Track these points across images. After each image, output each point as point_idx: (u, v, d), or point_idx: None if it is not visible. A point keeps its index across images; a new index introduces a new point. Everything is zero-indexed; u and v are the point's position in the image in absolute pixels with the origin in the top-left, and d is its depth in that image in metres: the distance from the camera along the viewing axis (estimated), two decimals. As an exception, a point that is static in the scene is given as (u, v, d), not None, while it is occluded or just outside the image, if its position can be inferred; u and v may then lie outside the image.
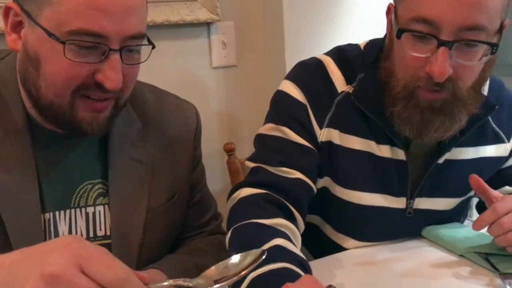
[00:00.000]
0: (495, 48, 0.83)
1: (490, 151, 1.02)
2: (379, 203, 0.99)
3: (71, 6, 0.70)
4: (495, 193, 0.89)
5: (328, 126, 0.97)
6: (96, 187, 0.86)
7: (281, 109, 1.00)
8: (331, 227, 1.04)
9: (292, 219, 0.89)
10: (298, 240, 0.88)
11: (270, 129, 0.99)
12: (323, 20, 1.59)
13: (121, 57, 0.74)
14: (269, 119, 1.01)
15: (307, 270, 0.76)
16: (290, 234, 0.85)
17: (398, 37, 0.85)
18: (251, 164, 0.98)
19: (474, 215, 1.45)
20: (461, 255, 0.93)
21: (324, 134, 0.97)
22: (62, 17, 0.70)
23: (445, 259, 0.94)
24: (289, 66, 1.08)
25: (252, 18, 1.63)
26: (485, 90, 1.00)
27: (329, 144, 0.97)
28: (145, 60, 0.80)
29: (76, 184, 0.84)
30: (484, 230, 0.89)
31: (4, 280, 0.52)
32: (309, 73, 1.00)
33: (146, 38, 0.78)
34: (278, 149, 0.96)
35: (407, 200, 0.99)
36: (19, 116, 0.79)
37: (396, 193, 0.99)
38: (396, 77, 0.90)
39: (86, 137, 0.82)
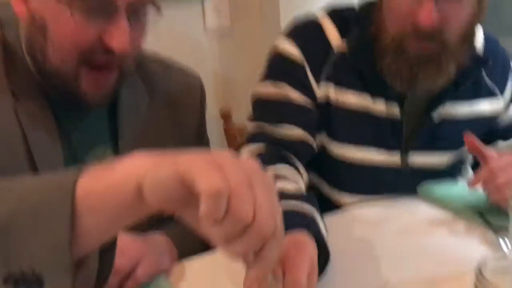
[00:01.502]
0: None
1: (484, 106, 1.04)
2: (374, 159, 1.00)
3: None
4: (490, 151, 0.90)
5: (325, 82, 0.97)
6: (108, 151, 0.86)
7: (278, 66, 1.00)
8: (327, 184, 1.06)
9: (295, 168, 0.92)
10: (304, 178, 0.92)
11: (268, 86, 0.99)
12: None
13: (129, 20, 0.73)
14: (266, 76, 1.01)
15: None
16: (292, 175, 0.88)
17: None
18: (251, 125, 0.99)
19: (470, 172, 1.47)
20: (456, 212, 0.95)
21: (322, 90, 0.98)
22: None
23: (440, 216, 0.95)
24: (284, 23, 1.08)
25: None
26: (479, 45, 1.01)
27: (326, 100, 0.98)
28: (151, 26, 0.79)
29: (86, 149, 0.84)
30: (478, 187, 0.91)
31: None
32: (305, 30, 1.00)
33: (153, 3, 0.77)
34: (277, 107, 0.97)
35: (401, 155, 1.01)
36: (30, 80, 0.78)
37: (390, 149, 1.00)
38: (386, 30, 0.91)
39: (90, 109, 0.82)
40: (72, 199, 0.46)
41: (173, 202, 0.44)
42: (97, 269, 0.51)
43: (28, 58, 0.78)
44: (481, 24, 0.96)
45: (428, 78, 0.90)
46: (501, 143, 1.09)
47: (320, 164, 1.04)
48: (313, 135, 0.98)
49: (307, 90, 0.97)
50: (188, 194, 0.42)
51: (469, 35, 0.92)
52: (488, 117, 1.05)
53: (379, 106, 0.98)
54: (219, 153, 0.44)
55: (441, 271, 0.76)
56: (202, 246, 0.89)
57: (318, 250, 0.68)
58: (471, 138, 0.91)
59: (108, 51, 0.73)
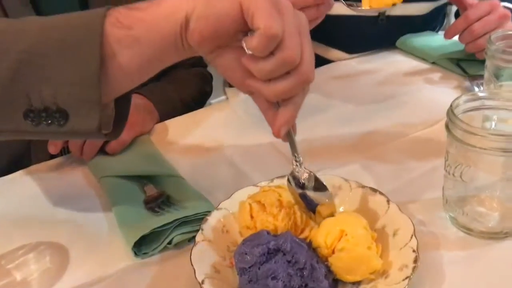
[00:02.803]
0: None
1: None
2: (350, 12, 0.97)
3: None
4: (470, 0, 0.88)
5: None
6: None
7: None
8: (314, 41, 1.04)
9: None
10: None
11: None
12: None
13: None
14: None
15: None
16: None
17: None
18: None
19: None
20: (433, 62, 0.95)
21: None
22: None
23: (418, 67, 0.96)
24: None
25: None
26: None
27: None
28: None
29: None
30: (456, 38, 0.90)
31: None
32: None
33: None
34: None
35: None
36: None
37: None
38: None
39: None
40: (101, 29, 0.44)
41: (216, 38, 0.45)
42: (113, 117, 0.51)
43: None
44: None
45: None
46: None
47: None
48: None
49: None
50: (236, 31, 0.44)
51: None
52: None
53: None
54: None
55: (415, 117, 0.78)
56: (182, 107, 0.91)
57: None
58: None
59: None
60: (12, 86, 0.44)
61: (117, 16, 0.45)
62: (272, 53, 0.43)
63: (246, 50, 0.44)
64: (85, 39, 0.44)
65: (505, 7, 0.89)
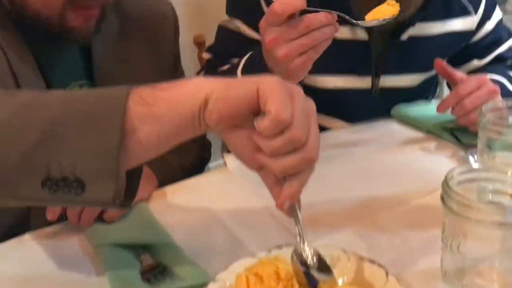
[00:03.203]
0: None
1: (457, 24, 1.02)
2: (344, 85, 1.01)
3: None
4: (459, 74, 0.91)
5: None
6: (85, 87, 0.84)
7: (234, 2, 1.01)
8: None
9: None
10: None
11: (225, 21, 1.01)
12: None
13: None
14: (226, 10, 1.02)
15: None
16: None
17: None
18: (206, 55, 1.02)
19: (445, 91, 1.49)
20: (428, 131, 0.97)
21: None
22: None
23: (413, 136, 0.98)
24: None
25: None
26: None
27: None
28: None
29: (62, 87, 0.81)
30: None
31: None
32: None
33: None
34: (230, 42, 0.99)
35: (372, 78, 1.01)
36: (2, 12, 0.74)
37: (360, 73, 1.01)
38: None
39: (66, 44, 0.79)
40: (124, 105, 0.47)
41: (233, 119, 0.49)
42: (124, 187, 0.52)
43: None
44: None
45: (394, 16, 0.87)
46: (475, 62, 1.09)
47: None
48: None
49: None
50: (249, 113, 0.48)
51: None
52: (460, 35, 1.03)
53: (344, 32, 0.96)
54: (294, 86, 0.50)
55: (412, 187, 0.79)
56: (181, 174, 0.91)
57: None
58: (440, 62, 0.92)
59: None
60: (33, 155, 0.46)
61: (141, 94, 0.48)
62: (281, 132, 0.47)
63: (257, 129, 0.48)
64: (108, 113, 0.47)
65: (492, 80, 0.92)
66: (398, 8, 0.76)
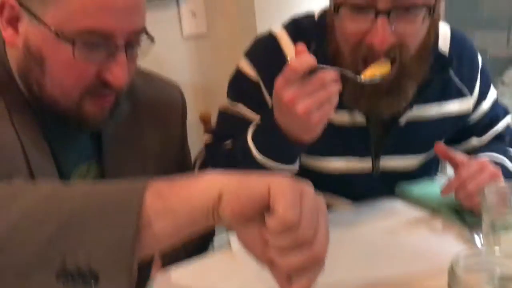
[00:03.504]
0: (431, 9, 0.84)
1: (454, 107, 1.03)
2: (345, 167, 1.02)
3: (78, 5, 0.69)
4: (460, 157, 0.92)
5: None
6: (92, 167, 0.85)
7: (235, 86, 1.03)
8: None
9: None
10: None
11: (226, 105, 1.03)
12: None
13: (126, 53, 0.73)
14: (227, 95, 1.04)
15: None
16: None
17: (336, 11, 0.86)
18: (207, 139, 1.03)
19: (449, 167, 1.50)
20: (433, 211, 0.97)
21: None
22: (69, 16, 0.69)
23: (418, 215, 0.98)
24: (261, 31, 1.10)
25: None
26: (446, 43, 1.02)
27: None
28: (146, 55, 0.79)
29: (71, 167, 0.83)
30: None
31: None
32: (262, 48, 1.02)
33: (146, 32, 0.78)
34: (232, 125, 1.00)
35: (372, 161, 1.02)
36: (19, 98, 0.77)
37: (360, 155, 1.02)
38: (342, 54, 0.91)
39: (89, 129, 0.82)
40: (141, 199, 0.48)
41: (243, 215, 0.50)
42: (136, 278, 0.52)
43: (20, 83, 0.77)
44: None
45: (388, 107, 0.91)
46: (474, 140, 1.11)
47: (296, 175, 1.05)
48: None
49: (263, 109, 0.96)
50: (260, 211, 0.49)
51: (427, 49, 0.91)
52: (457, 116, 1.05)
53: (342, 117, 0.98)
54: (303, 184, 0.52)
55: (418, 268, 0.78)
56: (185, 255, 0.91)
57: None
58: (440, 146, 0.94)
59: (107, 84, 0.74)
60: (50, 247, 0.47)
61: (159, 188, 0.50)
62: (288, 230, 0.48)
63: (267, 226, 0.49)
64: (125, 206, 0.49)
65: (493, 161, 0.93)
66: (390, 67, 0.83)
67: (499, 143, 1.10)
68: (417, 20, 0.85)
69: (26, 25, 0.72)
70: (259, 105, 0.98)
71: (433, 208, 0.97)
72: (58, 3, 0.69)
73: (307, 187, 0.51)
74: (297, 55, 0.74)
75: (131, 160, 0.88)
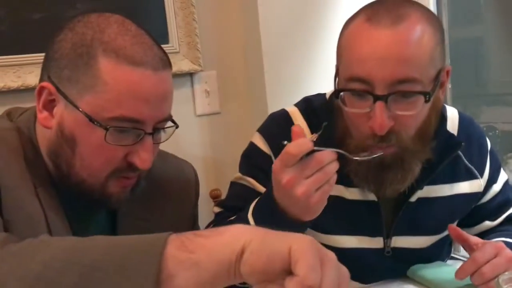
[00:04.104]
0: (428, 96, 0.86)
1: (465, 187, 1.05)
2: (356, 245, 1.02)
3: (114, 94, 0.73)
4: (474, 239, 0.92)
5: None
6: None
7: (248, 160, 1.07)
8: None
9: None
10: None
11: (238, 178, 1.06)
12: (302, 67, 1.65)
13: (152, 137, 0.78)
14: (239, 168, 1.08)
15: None
16: None
17: (336, 97, 0.91)
18: (217, 209, 1.06)
19: (461, 250, 1.47)
20: (445, 294, 0.95)
21: None
22: (105, 104, 0.73)
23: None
24: (271, 111, 1.14)
25: (233, 66, 1.68)
26: (454, 126, 1.05)
27: None
28: (168, 138, 0.84)
29: None
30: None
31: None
32: (276, 124, 1.06)
33: (171, 118, 0.83)
34: (242, 197, 1.02)
35: (384, 239, 1.02)
36: (44, 173, 0.80)
37: (372, 234, 1.02)
38: (350, 134, 0.94)
39: (110, 208, 0.84)
40: (162, 251, 0.49)
41: (265, 273, 0.49)
42: None
43: (48, 160, 0.80)
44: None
45: (394, 180, 0.92)
46: (488, 223, 1.10)
47: None
48: None
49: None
50: (283, 270, 0.48)
51: (428, 131, 0.94)
52: (468, 197, 1.06)
53: (354, 193, 1.00)
54: (327, 250, 0.51)
55: None
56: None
57: None
58: (454, 228, 0.94)
59: (132, 167, 0.77)
60: None
61: (183, 240, 0.51)
62: None
63: None
64: (145, 258, 0.49)
65: (507, 243, 0.92)
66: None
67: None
68: (415, 105, 0.87)
69: (61, 109, 0.77)
70: (269, 178, 0.99)
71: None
72: (95, 92, 0.74)
73: (330, 254, 0.50)
74: (294, 138, 0.76)
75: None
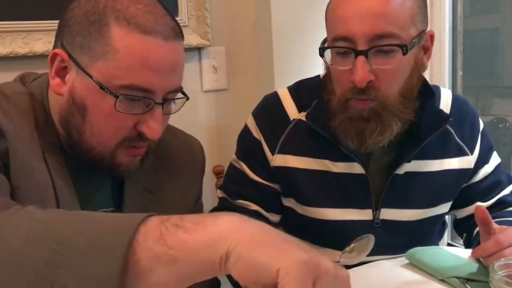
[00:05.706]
0: (405, 49, 0.90)
1: (454, 163, 1.07)
2: (345, 217, 1.04)
3: (125, 62, 0.73)
4: (496, 225, 0.92)
5: (280, 152, 1.06)
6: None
7: (241, 143, 1.14)
8: (310, 243, 1.07)
9: None
10: None
11: (234, 160, 1.14)
12: (310, 44, 1.62)
13: (162, 108, 0.78)
14: (236, 149, 1.15)
15: None
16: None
17: (321, 55, 0.96)
18: (219, 194, 1.14)
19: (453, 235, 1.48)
20: (442, 280, 0.96)
21: (276, 160, 1.06)
22: (115, 71, 0.74)
23: (426, 283, 0.96)
24: (279, 88, 1.15)
25: (242, 43, 1.67)
26: (447, 105, 1.08)
27: (285, 168, 1.05)
28: (178, 110, 0.85)
29: (93, 210, 0.83)
30: (464, 255, 0.93)
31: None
32: (265, 106, 1.12)
33: (182, 90, 0.83)
34: (237, 182, 1.11)
35: (373, 211, 1.04)
36: (54, 140, 0.81)
37: (361, 206, 1.04)
38: (334, 93, 0.99)
39: (119, 177, 0.85)
40: (132, 237, 0.46)
41: (252, 283, 0.46)
42: None
43: (59, 127, 0.81)
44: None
45: (373, 132, 0.95)
46: (480, 204, 1.11)
47: (298, 226, 1.08)
48: (272, 210, 1.10)
49: (263, 168, 1.07)
50: (271, 284, 0.45)
51: (409, 91, 0.97)
52: (457, 173, 1.08)
53: (340, 167, 1.03)
54: (324, 259, 0.46)
55: None
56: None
57: None
58: (482, 209, 0.92)
59: (142, 136, 0.78)
60: (41, 275, 0.46)
61: (163, 232, 0.48)
62: None
63: None
64: (114, 240, 0.47)
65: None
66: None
67: (505, 210, 1.10)
68: (394, 59, 0.91)
69: (73, 76, 0.77)
70: (261, 164, 1.08)
71: (442, 277, 0.95)
72: (106, 60, 0.74)
73: (325, 266, 0.46)
74: None
75: (151, 209, 0.89)
